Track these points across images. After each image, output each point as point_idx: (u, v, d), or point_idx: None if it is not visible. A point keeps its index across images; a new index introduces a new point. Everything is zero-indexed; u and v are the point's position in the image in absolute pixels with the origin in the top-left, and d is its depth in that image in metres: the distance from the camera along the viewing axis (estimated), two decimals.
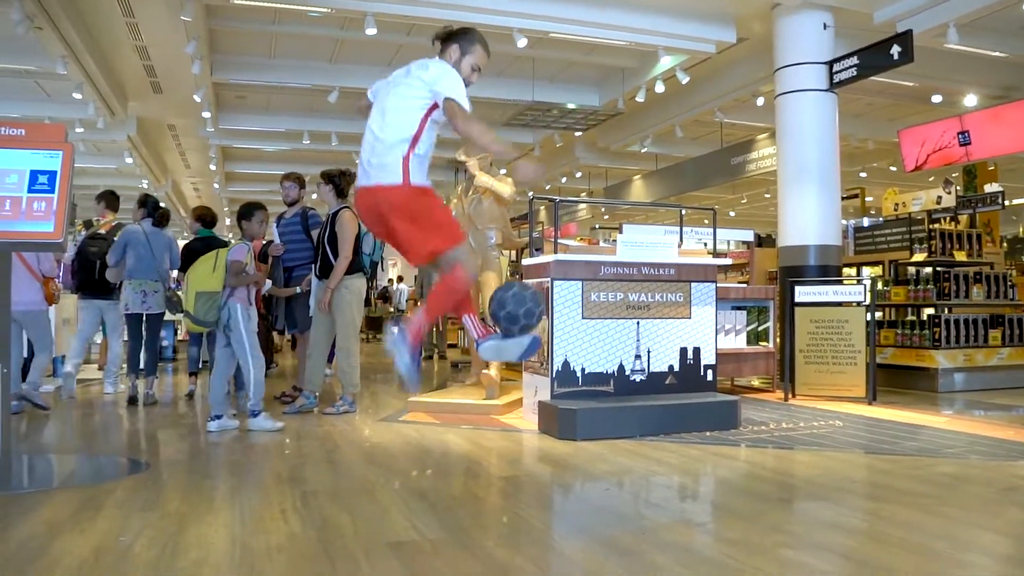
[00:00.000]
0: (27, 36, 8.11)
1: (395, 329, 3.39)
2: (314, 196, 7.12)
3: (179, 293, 7.66)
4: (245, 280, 5.31)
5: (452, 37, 3.74)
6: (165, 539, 2.83)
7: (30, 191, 3.88)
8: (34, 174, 3.91)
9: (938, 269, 7.92)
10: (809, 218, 8.02)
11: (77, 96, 10.19)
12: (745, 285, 8.89)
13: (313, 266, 6.30)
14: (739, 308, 7.52)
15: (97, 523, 3.04)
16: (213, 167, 16.16)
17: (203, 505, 3.35)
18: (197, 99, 10.67)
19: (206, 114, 11.69)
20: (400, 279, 23.81)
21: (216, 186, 18.73)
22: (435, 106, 3.51)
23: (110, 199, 7.52)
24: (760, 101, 11.06)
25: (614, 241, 5.78)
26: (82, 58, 9.07)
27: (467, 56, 3.72)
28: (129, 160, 14.70)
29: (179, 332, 12.75)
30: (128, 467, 4.19)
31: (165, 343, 11.27)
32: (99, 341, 10.80)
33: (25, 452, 4.66)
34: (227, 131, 13.53)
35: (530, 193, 6.76)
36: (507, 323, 3.51)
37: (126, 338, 7.08)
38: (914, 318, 8.14)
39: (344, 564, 2.57)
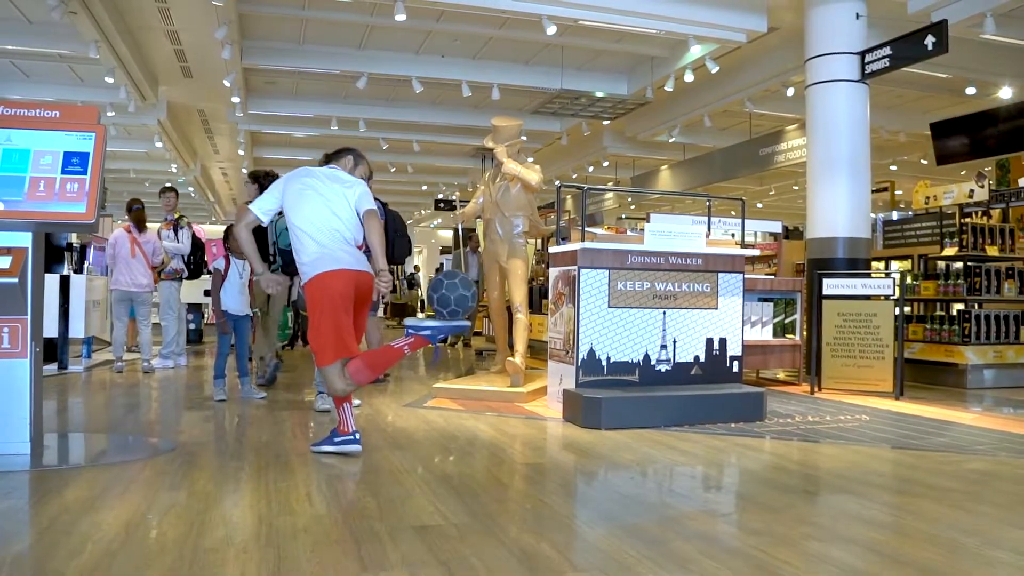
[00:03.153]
0: (61, 20, 8.21)
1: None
2: None
3: None
4: None
5: (349, 153, 4.44)
6: (192, 517, 2.87)
7: (63, 172, 3.93)
8: (68, 155, 3.95)
9: (969, 264, 7.80)
10: (838, 210, 7.91)
11: (109, 80, 10.27)
12: (772, 277, 8.81)
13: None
14: (766, 300, 7.46)
15: (126, 501, 3.09)
16: (242, 152, 16.27)
17: (229, 485, 3.40)
18: (227, 84, 10.73)
19: (235, 99, 11.76)
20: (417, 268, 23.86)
21: (244, 171, 18.84)
22: None
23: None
24: (790, 91, 10.92)
25: (641, 230, 5.75)
26: (114, 42, 9.15)
27: (361, 167, 4.48)
28: (159, 144, 14.82)
29: (206, 316, 12.91)
30: (156, 446, 4.25)
31: (191, 326, 11.42)
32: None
33: (56, 430, 4.74)
34: (256, 116, 13.58)
35: (557, 182, 6.74)
36: (439, 306, 4.09)
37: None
38: (943, 313, 8.03)
39: (370, 546, 2.59)
